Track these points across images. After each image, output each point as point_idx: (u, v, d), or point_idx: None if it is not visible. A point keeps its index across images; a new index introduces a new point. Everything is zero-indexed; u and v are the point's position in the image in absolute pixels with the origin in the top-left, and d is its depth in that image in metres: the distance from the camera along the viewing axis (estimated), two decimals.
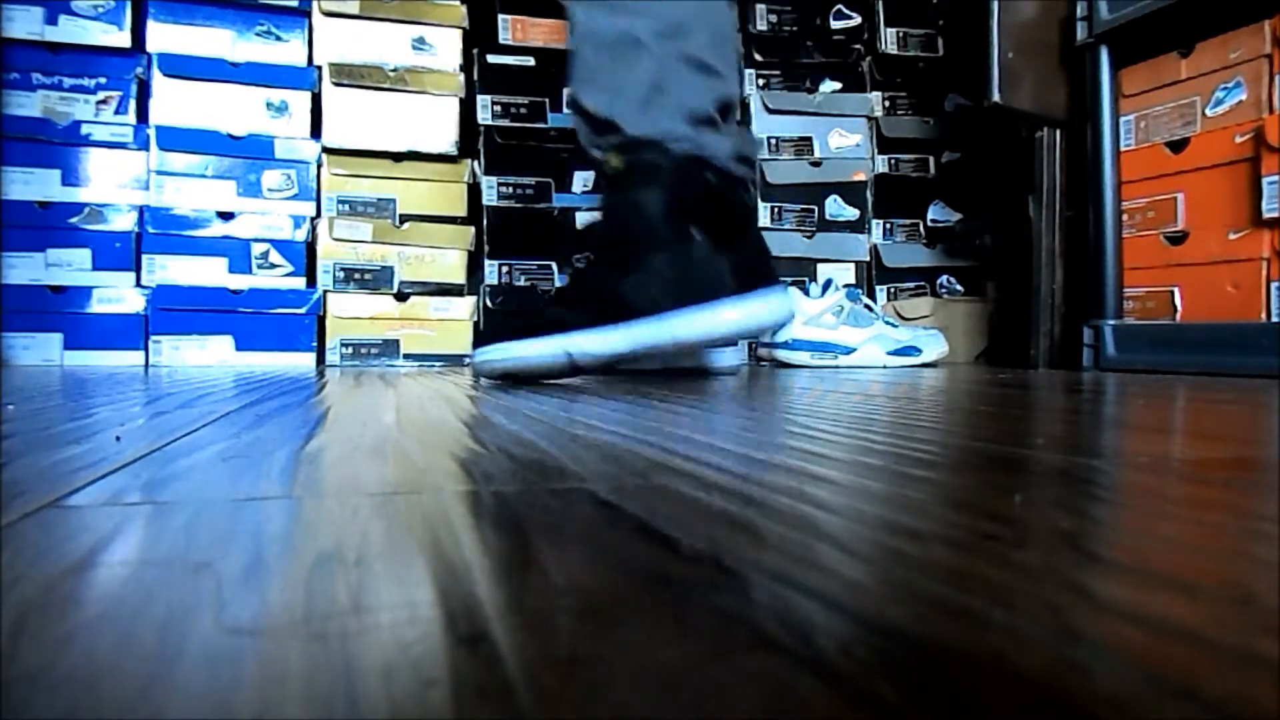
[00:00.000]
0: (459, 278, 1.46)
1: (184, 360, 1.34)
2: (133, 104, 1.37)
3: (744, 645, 0.13)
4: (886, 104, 1.64)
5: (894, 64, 1.63)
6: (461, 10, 1.46)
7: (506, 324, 0.77)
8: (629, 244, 0.80)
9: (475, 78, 1.47)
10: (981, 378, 0.97)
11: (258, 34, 1.41)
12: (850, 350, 1.34)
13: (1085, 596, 0.15)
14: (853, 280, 1.57)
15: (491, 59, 1.48)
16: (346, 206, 1.43)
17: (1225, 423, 0.49)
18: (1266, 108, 1.02)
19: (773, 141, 1.56)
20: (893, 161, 1.62)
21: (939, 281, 1.62)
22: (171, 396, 0.64)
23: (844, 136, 1.59)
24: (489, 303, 1.45)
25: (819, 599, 0.15)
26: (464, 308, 1.44)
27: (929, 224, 1.63)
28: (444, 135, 1.44)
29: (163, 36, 1.37)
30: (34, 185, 1.32)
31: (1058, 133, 1.30)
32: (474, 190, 1.48)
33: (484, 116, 1.47)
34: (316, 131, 1.42)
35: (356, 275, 1.41)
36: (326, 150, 1.41)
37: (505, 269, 1.47)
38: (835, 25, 1.62)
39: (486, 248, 1.47)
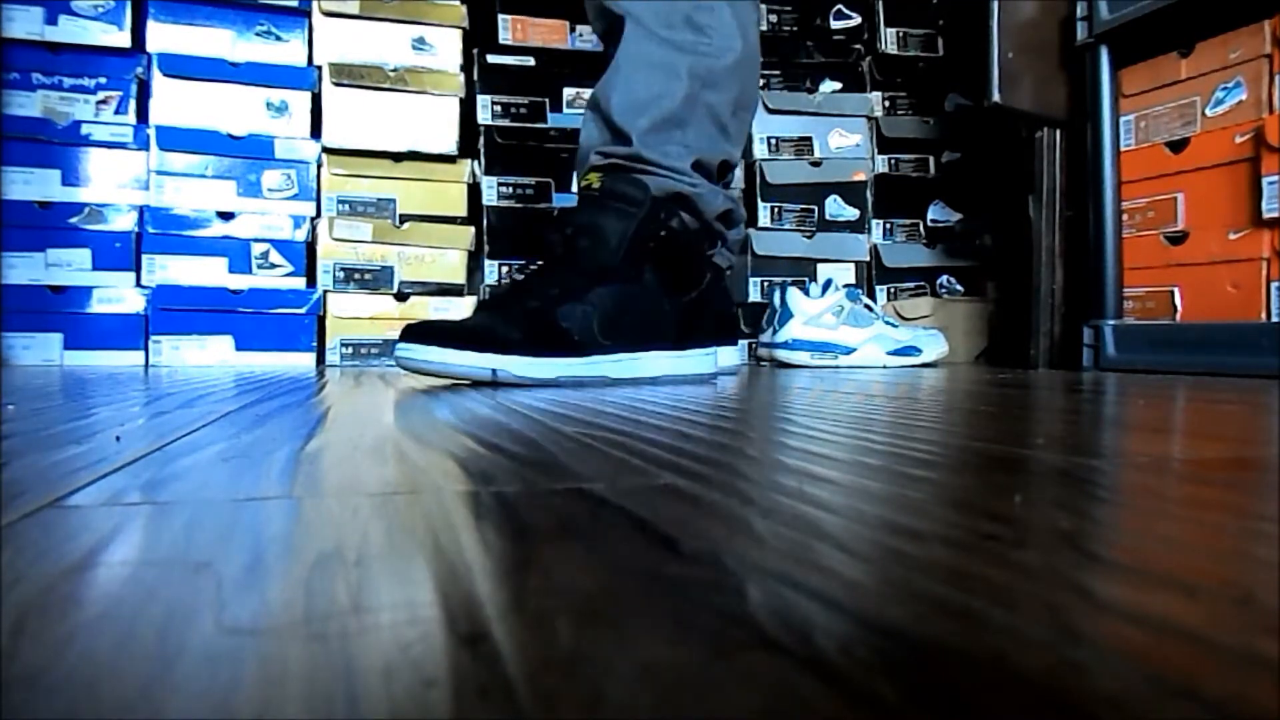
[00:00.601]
0: (459, 278, 1.46)
1: (184, 360, 1.34)
2: (133, 104, 1.37)
3: (744, 645, 0.13)
4: (886, 104, 1.64)
5: (894, 64, 1.63)
6: (461, 10, 1.46)
7: (436, 324, 0.77)
8: (579, 267, 0.81)
9: (475, 78, 1.47)
10: (981, 378, 0.97)
11: (258, 34, 1.41)
12: (850, 350, 1.34)
13: (1085, 596, 0.15)
14: (853, 280, 1.57)
15: (491, 59, 1.48)
16: (346, 206, 1.43)
17: (1225, 423, 0.49)
18: (1266, 108, 1.02)
19: (773, 141, 1.56)
20: (893, 161, 1.62)
21: (939, 281, 1.62)
22: (171, 396, 0.64)
23: (844, 136, 1.59)
24: None
25: (819, 599, 0.15)
26: (464, 308, 1.44)
27: (929, 224, 1.63)
28: (444, 135, 1.44)
29: (163, 36, 1.37)
30: (34, 185, 1.32)
31: (1058, 133, 1.30)
32: (474, 190, 1.48)
33: (484, 116, 1.47)
34: (316, 131, 1.42)
35: (356, 275, 1.42)
36: (326, 150, 1.41)
37: (505, 269, 1.47)
38: (835, 25, 1.62)
39: (486, 248, 1.47)
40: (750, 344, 1.44)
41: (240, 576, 0.17)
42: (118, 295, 1.34)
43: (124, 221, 1.35)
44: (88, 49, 1.34)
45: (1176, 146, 1.12)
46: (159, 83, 1.36)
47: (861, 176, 1.59)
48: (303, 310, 1.38)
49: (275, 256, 1.40)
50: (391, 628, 0.13)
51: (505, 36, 1.50)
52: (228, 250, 1.38)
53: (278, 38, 1.42)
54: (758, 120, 1.56)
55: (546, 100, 1.48)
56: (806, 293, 1.36)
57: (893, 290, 1.60)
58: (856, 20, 1.63)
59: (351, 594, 0.15)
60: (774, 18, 1.60)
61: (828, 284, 1.36)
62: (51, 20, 1.32)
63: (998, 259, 1.56)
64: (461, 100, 1.45)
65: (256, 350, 1.37)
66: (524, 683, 0.11)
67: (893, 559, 0.18)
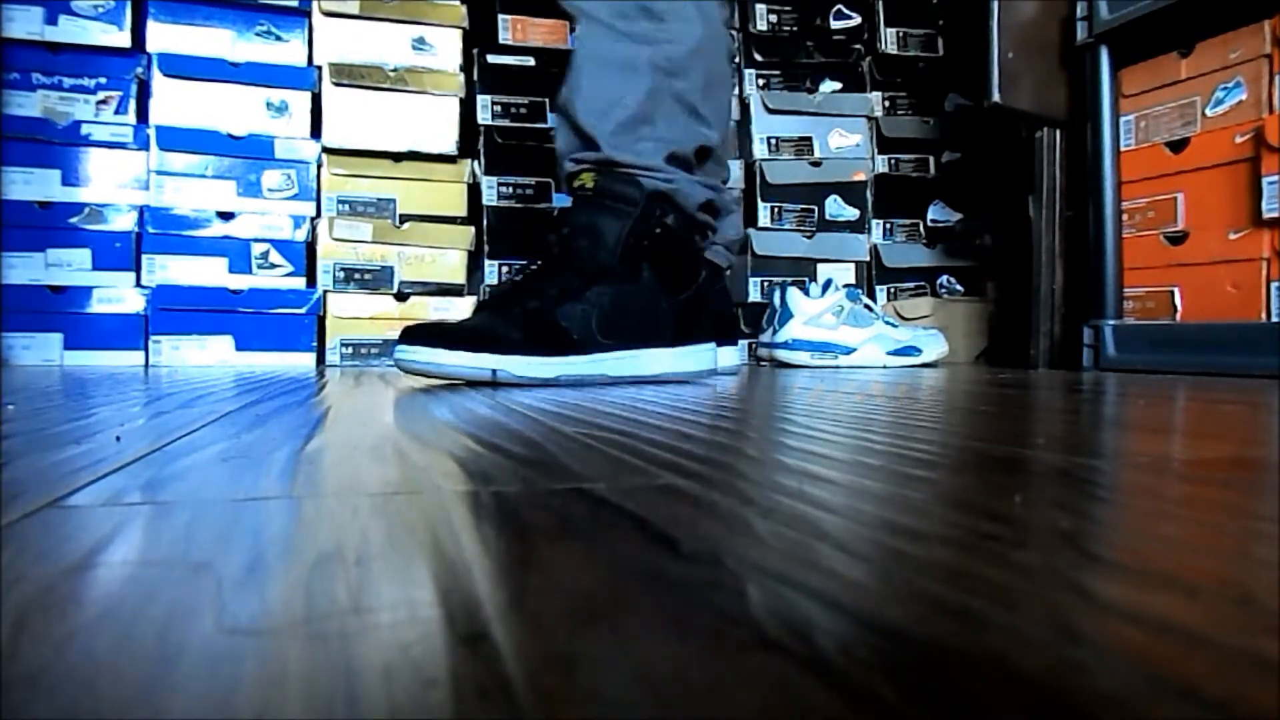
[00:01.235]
0: (459, 278, 1.46)
1: (184, 360, 1.34)
2: (133, 104, 1.37)
3: (744, 645, 0.13)
4: (886, 104, 1.64)
5: (894, 64, 1.63)
6: (461, 10, 1.46)
7: (435, 325, 0.77)
8: (577, 267, 0.81)
9: (475, 78, 1.47)
10: (981, 378, 0.97)
11: (258, 34, 1.41)
12: (850, 350, 1.34)
13: (1085, 596, 0.15)
14: (853, 280, 1.57)
15: (491, 59, 1.48)
16: (346, 206, 1.43)
17: (1225, 423, 0.49)
18: (1266, 108, 1.02)
19: (773, 141, 1.56)
20: (893, 161, 1.62)
21: (939, 281, 1.62)
22: (171, 396, 0.64)
23: (844, 136, 1.59)
24: None
25: (819, 599, 0.15)
26: (464, 308, 1.43)
27: (929, 224, 1.63)
28: (444, 135, 1.44)
29: (163, 36, 1.37)
30: (34, 185, 1.32)
31: (1058, 133, 1.30)
32: (474, 190, 1.48)
33: (484, 116, 1.47)
34: (316, 131, 1.42)
35: (356, 275, 1.42)
36: (326, 150, 1.41)
37: (505, 269, 1.47)
38: (835, 25, 1.62)
39: (486, 248, 1.47)
40: (750, 344, 1.44)
41: (240, 576, 0.17)
42: (118, 295, 1.34)
43: (124, 221, 1.35)
44: (88, 49, 1.34)
45: (1176, 146, 1.12)
46: (159, 83, 1.36)
47: (861, 176, 1.59)
48: (303, 310, 1.38)
49: (275, 256, 1.40)
50: (391, 628, 0.13)
51: (505, 36, 1.50)
52: (228, 250, 1.38)
53: (278, 38, 1.42)
54: (758, 120, 1.56)
55: (546, 100, 1.48)
56: (806, 293, 1.36)
57: (893, 290, 1.60)
58: (856, 20, 1.63)
59: (351, 594, 0.15)
60: (774, 18, 1.60)
61: (828, 284, 1.36)
62: (51, 20, 1.32)
63: (998, 259, 1.56)
64: (461, 100, 1.45)
65: (256, 350, 1.37)
66: (524, 683, 0.11)
67: (893, 559, 0.18)
